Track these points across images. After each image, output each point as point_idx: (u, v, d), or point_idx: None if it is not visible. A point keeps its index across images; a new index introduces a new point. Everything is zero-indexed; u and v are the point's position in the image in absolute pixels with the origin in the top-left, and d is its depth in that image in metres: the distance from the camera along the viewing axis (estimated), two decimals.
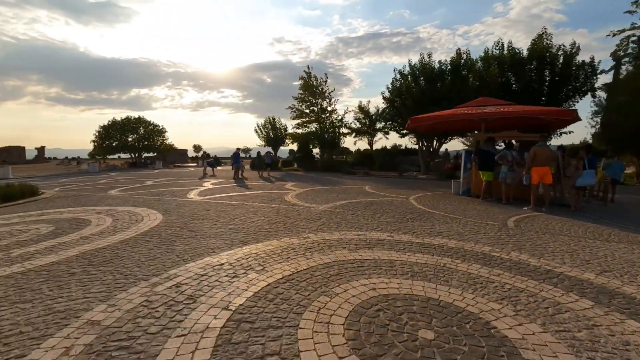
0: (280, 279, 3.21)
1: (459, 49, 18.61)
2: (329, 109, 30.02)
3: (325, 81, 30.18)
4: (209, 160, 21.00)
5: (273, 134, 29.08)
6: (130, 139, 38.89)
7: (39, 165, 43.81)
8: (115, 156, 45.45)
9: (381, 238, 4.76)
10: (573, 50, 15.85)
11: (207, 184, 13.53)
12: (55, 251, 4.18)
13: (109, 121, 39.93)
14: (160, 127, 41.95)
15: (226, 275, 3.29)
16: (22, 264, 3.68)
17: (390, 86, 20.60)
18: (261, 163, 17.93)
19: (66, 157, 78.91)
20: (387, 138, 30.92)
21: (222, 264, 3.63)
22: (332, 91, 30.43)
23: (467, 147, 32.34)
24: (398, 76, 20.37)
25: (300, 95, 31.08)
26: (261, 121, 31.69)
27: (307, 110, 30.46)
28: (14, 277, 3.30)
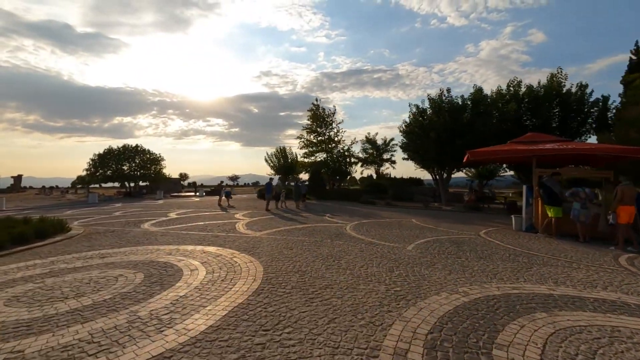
0: None
1: (475, 85, 19.55)
2: (337, 138, 30.36)
3: (334, 113, 30.79)
4: (227, 191, 20.22)
5: (283, 163, 28.72)
6: (125, 168, 37.38)
7: (16, 195, 40.91)
8: (109, 185, 43.39)
9: (544, 292, 4.17)
10: (584, 89, 16.85)
11: (241, 216, 12.74)
12: (198, 310, 3.43)
13: (105, 149, 38.52)
14: (157, 156, 40.81)
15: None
16: (183, 334, 2.91)
17: (408, 120, 21.19)
18: (298, 193, 17.26)
19: (43, 186, 74.97)
20: (394, 167, 31.23)
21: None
22: (340, 122, 30.97)
23: (468, 178, 33.13)
24: (414, 110, 21.00)
25: (308, 126, 31.42)
26: (271, 150, 31.52)
27: (315, 140, 30.65)
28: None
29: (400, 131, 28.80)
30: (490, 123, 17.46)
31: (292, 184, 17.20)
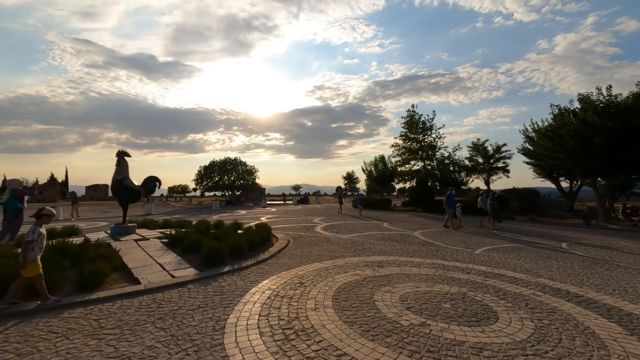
0: None
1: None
2: (437, 144, 28.33)
3: (432, 118, 28.99)
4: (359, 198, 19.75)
5: (382, 172, 27.84)
6: (228, 178, 41.03)
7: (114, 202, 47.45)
8: (211, 194, 48.53)
9: None
10: None
11: (420, 235, 12.12)
12: None
13: (210, 162, 42.96)
14: (252, 167, 43.85)
15: None
16: None
17: (548, 122, 18.55)
18: (497, 209, 12.64)
19: (161, 195, 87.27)
20: (507, 176, 27.81)
21: None
22: (440, 128, 29.00)
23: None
24: (556, 111, 18.33)
25: (403, 133, 30.18)
26: (370, 159, 31.05)
27: (412, 147, 29.15)
28: None
29: (524, 135, 25.69)
30: None
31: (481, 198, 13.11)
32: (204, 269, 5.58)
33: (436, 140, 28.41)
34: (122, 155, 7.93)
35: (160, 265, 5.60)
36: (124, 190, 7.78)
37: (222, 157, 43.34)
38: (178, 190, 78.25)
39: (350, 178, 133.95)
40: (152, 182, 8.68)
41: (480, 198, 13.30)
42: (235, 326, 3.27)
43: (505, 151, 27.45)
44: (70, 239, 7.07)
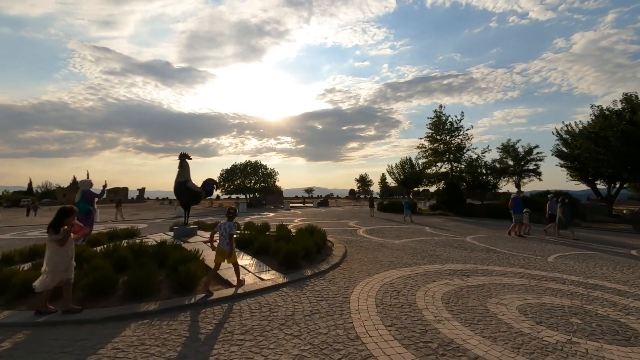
0: None
1: None
2: (465, 145, 27.64)
3: (461, 119, 28.33)
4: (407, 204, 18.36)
5: (410, 174, 27.33)
6: (250, 181, 41.44)
7: (143, 205, 48.32)
8: (230, 197, 49.13)
9: None
10: None
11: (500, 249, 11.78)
12: None
13: (232, 165, 43.49)
14: (272, 170, 44.08)
15: None
16: None
17: (587, 123, 17.83)
18: (567, 215, 11.19)
19: (166, 198, 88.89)
20: (540, 179, 26.88)
21: None
22: (468, 129, 28.31)
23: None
24: (596, 112, 17.63)
25: (429, 134, 29.67)
26: (395, 162, 30.64)
27: (439, 149, 28.56)
28: None
29: (558, 137, 24.81)
30: None
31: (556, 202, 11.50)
32: (285, 271, 5.52)
33: (464, 141, 27.80)
34: (183, 158, 8.01)
35: (242, 267, 5.58)
36: (187, 192, 7.85)
37: (243, 161, 43.84)
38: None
39: (363, 181, 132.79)
40: (210, 185, 8.75)
41: (548, 203, 12.15)
42: (369, 336, 3.15)
43: (537, 153, 26.59)
44: (138, 240, 7.19)
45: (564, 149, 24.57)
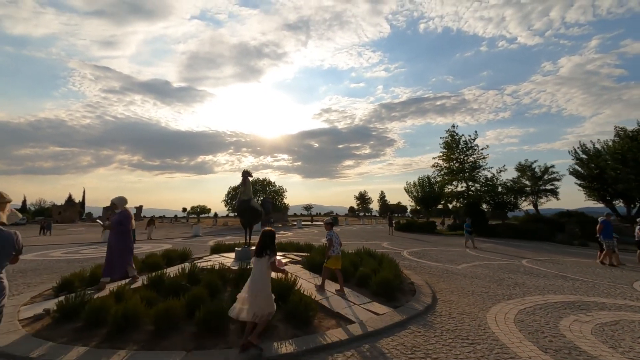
0: None
1: None
2: (481, 164, 27.61)
3: (474, 138, 28.49)
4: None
5: (428, 192, 27.03)
6: (255, 198, 40.89)
7: (142, 223, 46.36)
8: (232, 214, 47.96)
9: None
10: None
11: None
12: None
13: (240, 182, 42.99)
14: (279, 187, 43.73)
15: None
16: None
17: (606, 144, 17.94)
18: None
19: (175, 216, 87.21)
20: (557, 199, 26.79)
21: None
22: (483, 149, 28.42)
23: None
24: (620, 133, 17.82)
25: (443, 153, 29.76)
26: (413, 179, 30.41)
27: (454, 168, 28.49)
28: None
29: (574, 157, 24.97)
30: None
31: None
32: (384, 301, 5.04)
33: (478, 160, 27.82)
34: (246, 175, 7.63)
35: (340, 297, 5.08)
36: (251, 211, 7.40)
37: (252, 178, 43.38)
38: (197, 212, 77.93)
39: (362, 198, 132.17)
40: (268, 203, 8.34)
41: (638, 227, 10.56)
42: None
43: (553, 173, 26.63)
44: (203, 264, 6.65)
45: (580, 169, 24.71)
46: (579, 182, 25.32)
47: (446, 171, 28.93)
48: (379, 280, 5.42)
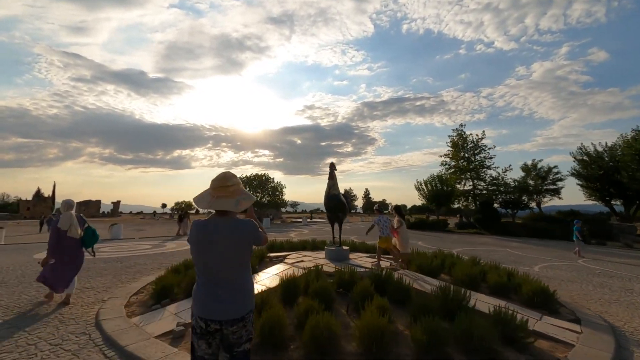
0: None
1: None
2: (488, 164, 27.99)
3: (481, 138, 28.78)
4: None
5: (440, 190, 26.96)
6: (257, 195, 39.35)
7: (122, 219, 43.79)
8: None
9: None
10: None
11: None
12: None
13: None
14: (279, 184, 42.23)
15: None
16: None
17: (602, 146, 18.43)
18: None
19: (154, 212, 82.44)
20: (560, 198, 27.63)
21: None
22: (490, 148, 28.76)
23: None
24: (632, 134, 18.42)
25: (449, 152, 29.97)
26: (423, 177, 30.35)
27: (463, 166, 28.70)
28: None
29: (576, 159, 25.79)
30: None
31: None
32: (548, 314, 4.38)
33: (485, 159, 28.16)
34: (333, 168, 6.78)
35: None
36: (342, 207, 6.60)
37: (250, 174, 41.83)
38: (182, 207, 74.31)
39: (348, 195, 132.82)
40: (348, 199, 7.52)
41: None
42: None
43: (557, 173, 27.44)
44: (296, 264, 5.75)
45: (581, 170, 25.59)
46: (580, 182, 26.22)
47: (454, 170, 29.12)
48: (534, 288, 4.76)
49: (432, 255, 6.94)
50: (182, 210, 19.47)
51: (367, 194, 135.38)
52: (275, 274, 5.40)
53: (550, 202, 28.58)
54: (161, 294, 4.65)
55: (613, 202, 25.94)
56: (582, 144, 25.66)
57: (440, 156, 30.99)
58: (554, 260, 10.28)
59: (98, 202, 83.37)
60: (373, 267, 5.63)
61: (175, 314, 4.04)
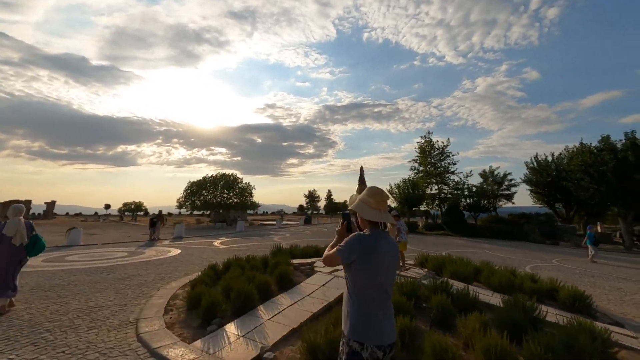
0: None
1: None
2: (452, 169, 30.24)
3: (447, 145, 30.95)
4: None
5: (411, 194, 28.32)
6: (224, 196, 37.29)
7: (58, 221, 37.24)
8: (184, 212, 42.86)
9: None
10: None
11: None
12: None
13: (202, 178, 38.89)
14: (248, 185, 40.55)
15: None
16: None
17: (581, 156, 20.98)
18: None
19: (96, 213, 73.20)
20: (513, 203, 30.67)
21: None
22: (455, 154, 30.99)
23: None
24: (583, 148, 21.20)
25: (417, 157, 31.87)
26: (395, 181, 31.52)
27: (430, 171, 30.62)
28: None
29: (528, 167, 28.85)
30: None
31: None
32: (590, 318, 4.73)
33: (450, 165, 30.44)
34: (363, 171, 6.66)
35: None
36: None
37: (215, 173, 39.68)
38: (131, 208, 66.40)
39: (312, 197, 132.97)
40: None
41: None
42: None
43: (511, 179, 30.41)
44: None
45: (532, 177, 28.80)
46: (530, 188, 29.45)
47: (422, 175, 31.04)
48: (572, 294, 5.10)
49: (451, 260, 7.13)
50: (155, 214, 17.65)
51: (329, 195, 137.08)
52: (326, 286, 5.07)
53: (505, 205, 31.59)
54: (209, 313, 4.08)
55: (556, 206, 29.52)
56: (537, 153, 28.82)
57: (409, 161, 32.82)
58: (534, 262, 11.28)
59: (28, 202, 71.99)
60: (425, 274, 6.19)
61: (244, 337, 3.55)
